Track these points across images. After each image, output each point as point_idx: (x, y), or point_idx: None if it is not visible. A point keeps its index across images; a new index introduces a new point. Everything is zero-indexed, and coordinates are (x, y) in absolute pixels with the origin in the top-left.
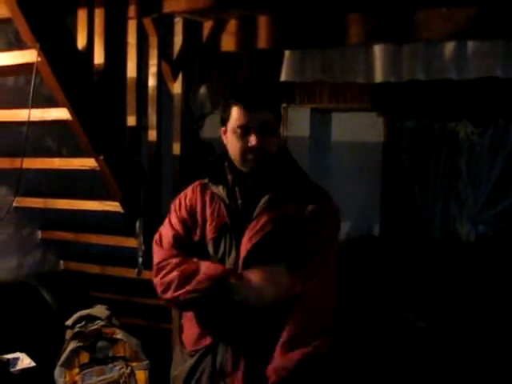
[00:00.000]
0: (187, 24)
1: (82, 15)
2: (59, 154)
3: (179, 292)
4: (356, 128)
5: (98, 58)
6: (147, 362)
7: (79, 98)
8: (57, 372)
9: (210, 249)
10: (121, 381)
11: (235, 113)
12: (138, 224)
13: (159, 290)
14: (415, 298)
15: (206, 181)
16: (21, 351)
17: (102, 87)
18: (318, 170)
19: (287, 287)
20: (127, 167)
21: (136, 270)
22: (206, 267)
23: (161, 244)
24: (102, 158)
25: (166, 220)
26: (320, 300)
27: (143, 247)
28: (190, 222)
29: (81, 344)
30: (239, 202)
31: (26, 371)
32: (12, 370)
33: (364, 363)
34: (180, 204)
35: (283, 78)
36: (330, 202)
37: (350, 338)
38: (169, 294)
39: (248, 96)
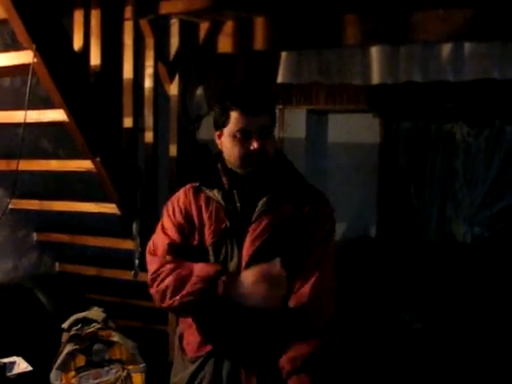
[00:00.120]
0: (183, 25)
1: (78, 16)
2: (55, 156)
3: (175, 298)
4: (352, 129)
5: (95, 59)
6: (144, 364)
7: (76, 100)
8: (53, 375)
9: (211, 253)
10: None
11: (234, 117)
12: (134, 226)
13: (156, 298)
14: (412, 300)
15: (198, 184)
16: (17, 354)
17: (98, 88)
18: (314, 171)
19: (282, 283)
20: (124, 169)
21: (132, 272)
22: (199, 269)
23: (155, 253)
24: (98, 159)
25: (159, 227)
26: (324, 294)
27: (140, 249)
28: (186, 227)
29: (77, 347)
30: (238, 205)
31: (22, 375)
32: (8, 374)
33: (361, 364)
34: (174, 209)
35: (280, 79)
36: (326, 203)
37: (347, 339)
38: (166, 302)
39: (247, 100)
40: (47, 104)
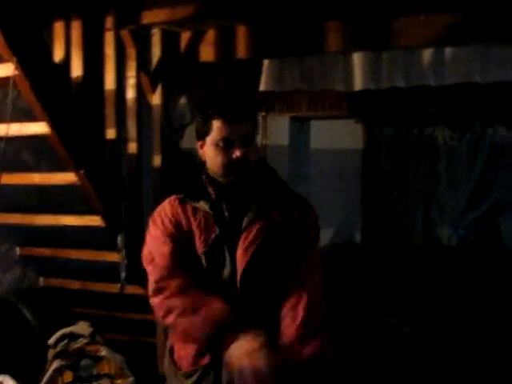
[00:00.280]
0: (165, 35)
1: (58, 28)
2: (37, 169)
3: (177, 322)
4: (335, 135)
5: (76, 70)
6: (132, 378)
7: (57, 112)
8: None
9: (203, 262)
10: None
11: (216, 126)
12: (119, 238)
13: (159, 313)
14: (399, 304)
15: (182, 196)
16: (3, 372)
17: (80, 100)
18: (297, 177)
19: (270, 364)
20: (108, 181)
21: (119, 286)
22: (207, 312)
23: (153, 261)
24: (82, 172)
25: (148, 238)
26: (318, 301)
27: (126, 261)
28: (177, 236)
29: (64, 363)
30: (226, 214)
31: None
32: None
33: (350, 370)
34: (162, 220)
35: (262, 87)
36: (311, 209)
37: (336, 345)
38: (170, 320)
39: (229, 109)
40: (29, 117)
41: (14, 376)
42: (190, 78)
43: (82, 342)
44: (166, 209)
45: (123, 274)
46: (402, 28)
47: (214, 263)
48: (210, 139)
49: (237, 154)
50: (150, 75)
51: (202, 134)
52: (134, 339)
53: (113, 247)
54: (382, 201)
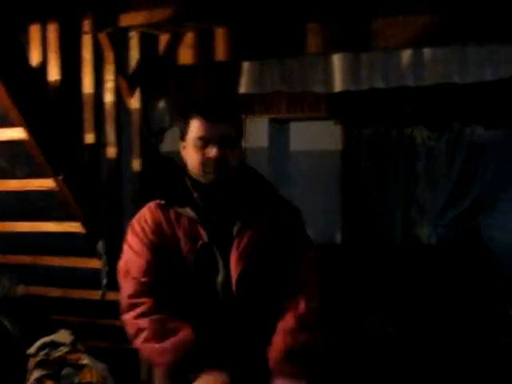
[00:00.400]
0: (143, 38)
1: (34, 31)
2: (14, 176)
3: (147, 346)
4: (314, 137)
5: (53, 74)
6: None
7: (35, 117)
8: None
9: (192, 268)
10: None
11: (195, 125)
12: (100, 244)
13: (129, 331)
14: (382, 304)
15: (163, 202)
16: None
17: (58, 104)
18: (277, 179)
19: None
20: (87, 186)
21: (100, 293)
22: (175, 340)
23: (128, 273)
24: (61, 177)
25: (126, 247)
26: (314, 307)
27: (107, 268)
28: (160, 244)
29: (45, 372)
30: (214, 218)
31: None
32: None
33: (334, 370)
34: (143, 228)
35: (242, 89)
36: (298, 212)
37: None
38: (138, 344)
39: (207, 107)
40: (5, 122)
41: None
42: (168, 81)
43: (63, 350)
44: (146, 215)
45: (104, 281)
46: (380, 29)
47: (204, 269)
48: (189, 139)
49: (212, 152)
50: (128, 79)
51: (183, 135)
52: (116, 346)
53: (93, 253)
54: (362, 201)
